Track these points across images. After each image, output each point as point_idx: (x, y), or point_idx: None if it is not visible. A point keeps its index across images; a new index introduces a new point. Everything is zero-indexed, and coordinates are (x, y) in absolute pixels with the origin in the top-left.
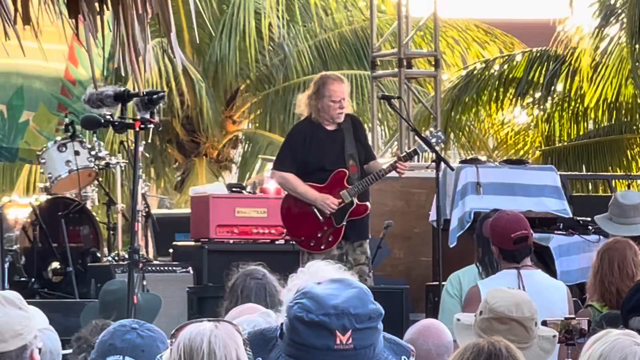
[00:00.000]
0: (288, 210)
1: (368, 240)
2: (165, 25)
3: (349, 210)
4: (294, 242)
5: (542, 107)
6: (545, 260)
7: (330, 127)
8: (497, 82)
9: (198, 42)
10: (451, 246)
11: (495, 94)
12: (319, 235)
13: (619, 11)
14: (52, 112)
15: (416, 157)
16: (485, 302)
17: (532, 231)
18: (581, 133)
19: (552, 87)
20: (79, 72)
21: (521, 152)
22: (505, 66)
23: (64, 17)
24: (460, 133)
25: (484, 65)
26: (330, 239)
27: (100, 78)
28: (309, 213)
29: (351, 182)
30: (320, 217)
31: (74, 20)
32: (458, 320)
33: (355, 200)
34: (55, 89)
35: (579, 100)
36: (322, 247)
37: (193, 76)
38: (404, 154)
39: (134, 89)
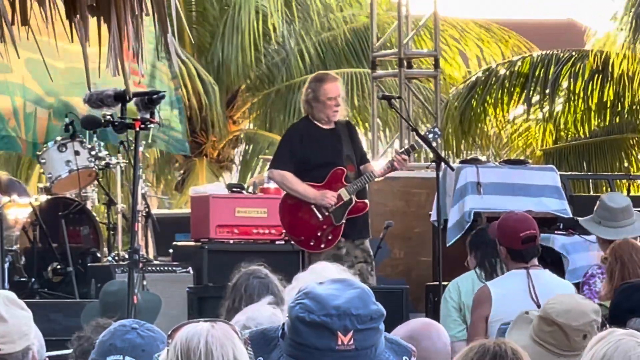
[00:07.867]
0: (287, 210)
1: (368, 239)
2: (161, 26)
3: (348, 208)
4: (293, 243)
5: (544, 108)
6: (546, 260)
7: (326, 126)
8: (501, 85)
9: (199, 42)
10: (447, 245)
11: (499, 97)
12: (319, 234)
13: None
14: None
15: (417, 156)
16: (547, 302)
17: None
18: (583, 133)
19: (555, 88)
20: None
21: (527, 152)
22: (510, 69)
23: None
24: (470, 137)
25: (487, 69)
26: (329, 238)
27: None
28: (308, 212)
29: (349, 181)
30: (320, 216)
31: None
32: (526, 313)
33: (354, 198)
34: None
35: (581, 101)
36: (322, 246)
37: (205, 77)
38: (402, 149)
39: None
